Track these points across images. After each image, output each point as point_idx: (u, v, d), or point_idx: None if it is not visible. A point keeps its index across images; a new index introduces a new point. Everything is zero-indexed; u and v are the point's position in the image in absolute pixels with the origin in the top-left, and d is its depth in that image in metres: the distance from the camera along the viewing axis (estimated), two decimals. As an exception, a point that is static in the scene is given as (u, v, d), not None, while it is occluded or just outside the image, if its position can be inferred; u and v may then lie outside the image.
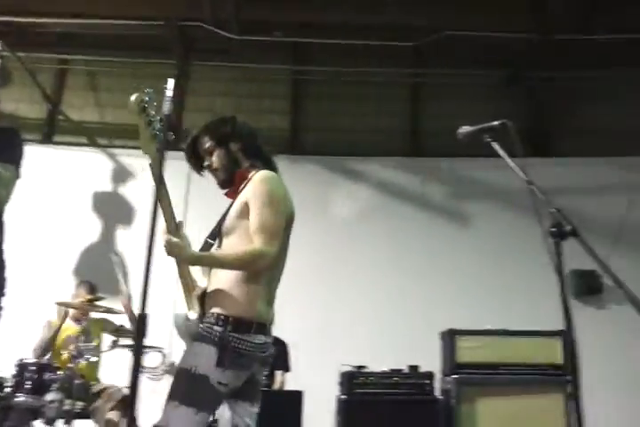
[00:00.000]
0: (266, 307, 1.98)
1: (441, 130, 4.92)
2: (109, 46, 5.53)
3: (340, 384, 3.70)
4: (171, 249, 1.92)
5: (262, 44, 5.23)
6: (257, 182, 2.02)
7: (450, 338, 3.75)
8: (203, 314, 1.98)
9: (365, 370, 3.71)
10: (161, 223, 1.93)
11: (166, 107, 1.69)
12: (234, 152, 2.12)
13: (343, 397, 3.61)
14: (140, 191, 5.09)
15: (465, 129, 1.95)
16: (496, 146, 1.84)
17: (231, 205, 2.07)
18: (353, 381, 3.62)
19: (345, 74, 5.40)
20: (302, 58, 5.72)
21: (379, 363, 3.94)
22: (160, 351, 4.56)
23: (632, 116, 5.73)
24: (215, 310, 1.93)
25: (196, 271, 2.10)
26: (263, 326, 1.95)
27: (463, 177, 5.37)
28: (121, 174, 5.35)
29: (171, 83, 1.69)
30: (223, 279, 1.96)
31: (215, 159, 2.12)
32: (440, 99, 5.67)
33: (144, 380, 4.49)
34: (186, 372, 1.86)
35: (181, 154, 2.17)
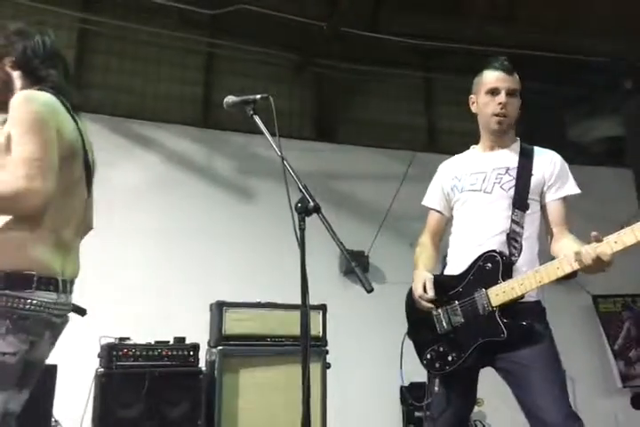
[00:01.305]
0: (53, 256, 1.68)
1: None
2: None
3: (99, 357, 3.53)
4: None
5: (47, -17, 4.70)
6: (14, 106, 1.67)
7: (218, 310, 3.79)
8: None
9: (129, 342, 3.59)
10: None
11: None
12: (5, 69, 1.83)
13: (101, 370, 3.46)
14: None
15: (230, 98, 1.98)
16: (257, 119, 1.90)
17: None
18: (113, 353, 3.47)
19: (140, 32, 5.08)
20: (93, 8, 5.24)
21: (149, 335, 3.84)
22: None
23: (406, 113, 6.32)
24: None
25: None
26: (52, 281, 1.66)
27: (251, 153, 5.42)
28: None
29: None
30: None
31: None
32: (235, 73, 5.63)
33: None
34: None
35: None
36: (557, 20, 5.72)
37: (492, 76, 2.22)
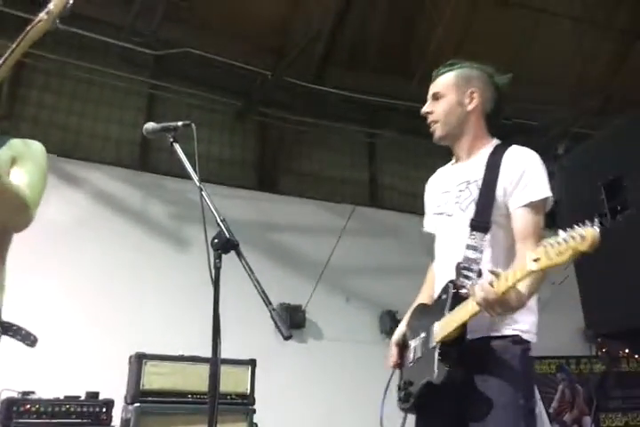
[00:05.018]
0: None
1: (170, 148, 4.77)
2: None
3: (-3, 413, 3.17)
4: None
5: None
6: None
7: (137, 362, 3.50)
8: None
9: (33, 396, 3.25)
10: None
11: None
12: None
13: (-2, 428, 3.11)
14: None
15: (150, 125, 1.93)
16: (177, 147, 1.83)
17: None
18: (13, 409, 3.12)
19: (77, 68, 4.93)
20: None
21: (59, 389, 3.50)
22: None
23: (349, 167, 6.34)
24: None
25: None
26: None
27: (187, 199, 5.24)
28: None
29: None
30: None
31: None
32: (176, 116, 5.51)
33: None
34: None
35: None
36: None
37: None
